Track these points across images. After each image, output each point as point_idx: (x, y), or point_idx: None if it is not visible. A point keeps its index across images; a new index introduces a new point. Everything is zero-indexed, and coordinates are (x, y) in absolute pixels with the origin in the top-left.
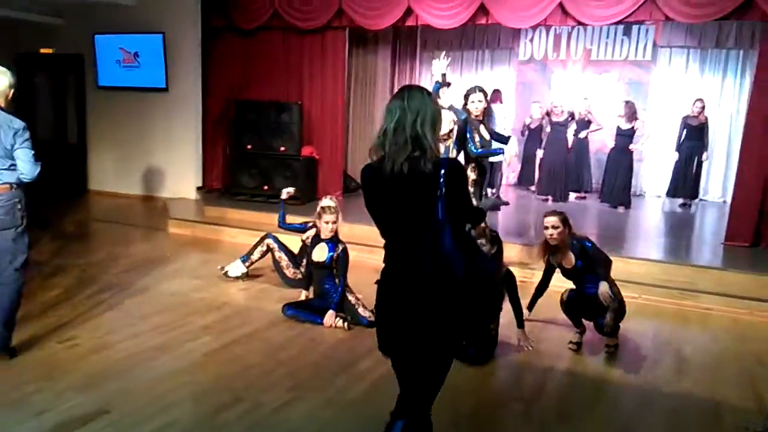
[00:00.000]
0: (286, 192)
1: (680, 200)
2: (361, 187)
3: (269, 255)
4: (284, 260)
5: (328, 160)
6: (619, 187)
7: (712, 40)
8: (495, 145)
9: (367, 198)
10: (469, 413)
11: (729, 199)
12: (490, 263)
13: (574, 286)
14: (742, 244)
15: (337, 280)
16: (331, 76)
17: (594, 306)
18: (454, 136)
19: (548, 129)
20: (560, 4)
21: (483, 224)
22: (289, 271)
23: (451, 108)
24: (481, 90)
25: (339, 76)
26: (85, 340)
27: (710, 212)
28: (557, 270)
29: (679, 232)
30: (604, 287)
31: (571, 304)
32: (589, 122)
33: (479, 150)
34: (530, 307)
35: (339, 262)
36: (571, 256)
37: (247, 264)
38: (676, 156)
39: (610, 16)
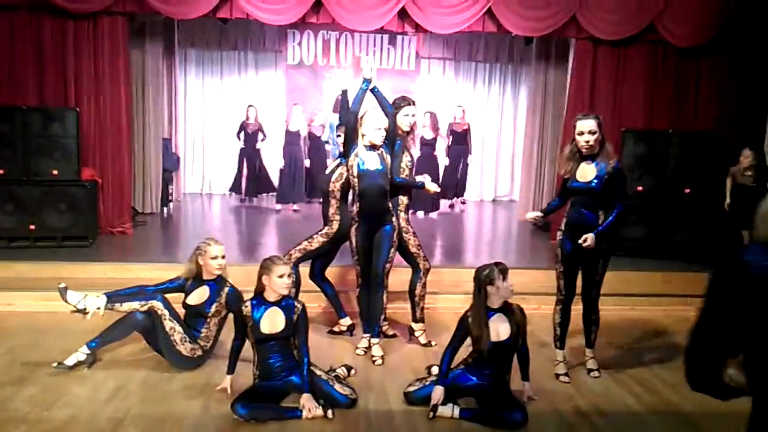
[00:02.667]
0: None
1: (450, 201)
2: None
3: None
4: (178, 332)
5: (111, 185)
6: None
7: (465, 54)
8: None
9: None
10: None
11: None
12: None
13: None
14: None
15: (294, 352)
16: (110, 74)
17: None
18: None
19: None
20: (404, 9)
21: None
22: (185, 347)
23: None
24: (414, 103)
25: (120, 75)
26: None
27: (484, 211)
28: None
29: (497, 235)
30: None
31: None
32: None
33: (402, 178)
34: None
35: (300, 327)
36: (593, 170)
37: (94, 348)
38: (446, 161)
39: (453, 25)
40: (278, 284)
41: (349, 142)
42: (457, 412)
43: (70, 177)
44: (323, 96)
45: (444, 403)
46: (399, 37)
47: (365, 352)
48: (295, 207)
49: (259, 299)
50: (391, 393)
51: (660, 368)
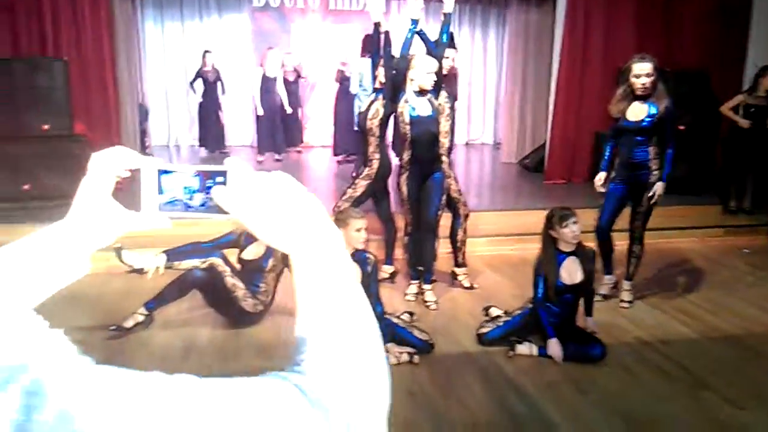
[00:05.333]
0: None
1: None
2: None
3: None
4: (240, 288)
5: (100, 141)
6: None
7: None
8: None
9: None
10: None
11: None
12: None
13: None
14: (559, 181)
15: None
16: (91, 21)
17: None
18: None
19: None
20: None
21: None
22: (248, 303)
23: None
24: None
25: (102, 22)
26: None
27: (459, 155)
28: None
29: (487, 178)
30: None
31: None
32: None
33: None
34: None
35: (373, 278)
36: (645, 109)
37: (152, 309)
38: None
39: None
40: (355, 238)
41: (398, 89)
42: (535, 350)
43: (62, 131)
44: (291, 40)
45: (520, 342)
46: None
47: (416, 298)
48: (278, 157)
49: None
50: (460, 335)
51: (689, 295)
